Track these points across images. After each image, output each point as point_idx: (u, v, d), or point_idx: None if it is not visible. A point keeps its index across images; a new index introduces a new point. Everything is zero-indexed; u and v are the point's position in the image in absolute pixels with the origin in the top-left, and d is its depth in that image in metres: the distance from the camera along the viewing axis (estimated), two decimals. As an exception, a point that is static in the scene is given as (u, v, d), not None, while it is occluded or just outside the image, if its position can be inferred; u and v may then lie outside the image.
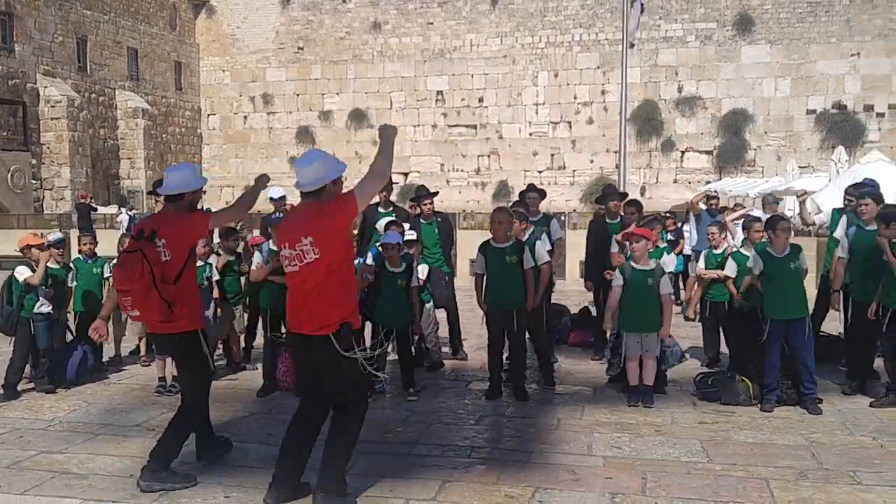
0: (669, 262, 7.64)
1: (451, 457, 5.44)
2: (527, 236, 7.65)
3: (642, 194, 26.55)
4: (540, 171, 30.37)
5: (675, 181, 27.61)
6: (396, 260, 7.10)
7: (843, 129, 24.07)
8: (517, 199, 9.10)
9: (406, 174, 31.56)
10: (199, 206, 5.60)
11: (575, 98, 29.45)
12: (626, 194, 9.32)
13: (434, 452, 5.56)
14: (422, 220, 8.59)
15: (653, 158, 28.04)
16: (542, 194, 9.01)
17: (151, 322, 5.04)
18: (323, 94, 33.42)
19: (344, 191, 4.56)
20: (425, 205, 8.62)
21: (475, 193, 31.21)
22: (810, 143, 24.97)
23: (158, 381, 7.38)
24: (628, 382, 6.97)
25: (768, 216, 8.00)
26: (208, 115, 35.13)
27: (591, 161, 29.60)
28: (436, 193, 9.04)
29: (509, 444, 5.78)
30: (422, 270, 7.48)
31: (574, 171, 30.06)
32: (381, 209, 8.62)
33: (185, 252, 5.01)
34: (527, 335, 7.41)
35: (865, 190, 7.66)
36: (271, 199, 9.41)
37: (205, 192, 9.46)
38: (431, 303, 8.28)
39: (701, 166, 26.93)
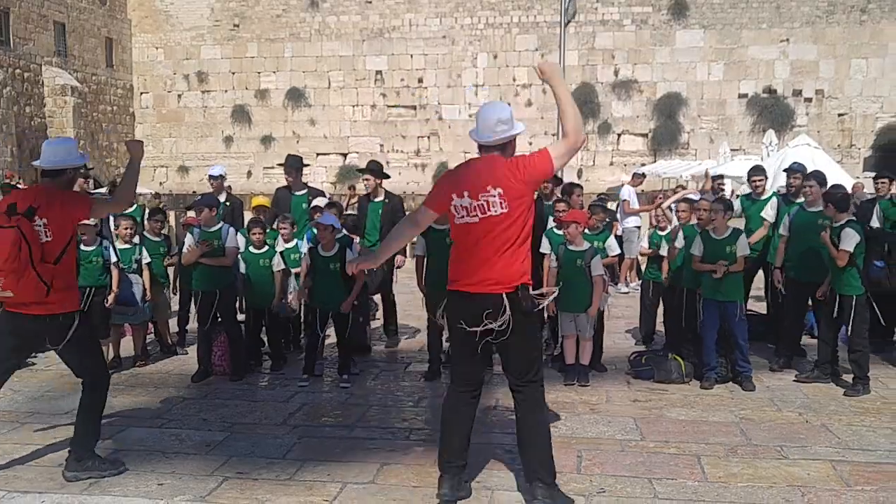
0: (613, 245, 7.76)
1: (390, 439, 5.45)
2: None
3: (579, 177, 26.85)
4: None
5: (612, 163, 27.97)
6: (330, 243, 7.02)
7: (773, 113, 24.70)
8: None
9: (345, 155, 31.26)
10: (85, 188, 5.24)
11: (514, 80, 29.51)
12: (559, 179, 9.35)
13: (373, 435, 5.56)
14: (371, 199, 8.49)
15: (590, 141, 28.33)
16: None
17: (26, 303, 4.56)
18: (259, 73, 32.77)
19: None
20: (366, 180, 8.47)
21: (415, 175, 31.11)
22: (742, 126, 25.56)
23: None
24: (564, 362, 7.07)
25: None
26: (141, 93, 34.15)
27: (531, 143, 29.63)
28: (385, 174, 8.81)
29: (447, 425, 5.80)
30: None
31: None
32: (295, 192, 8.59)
33: (68, 232, 4.69)
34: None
35: (811, 172, 7.93)
36: (210, 176, 9.21)
37: (90, 170, 9.22)
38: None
39: (636, 149, 27.34)
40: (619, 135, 27.87)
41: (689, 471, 4.89)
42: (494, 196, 4.10)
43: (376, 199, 8.54)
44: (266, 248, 7.63)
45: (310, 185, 9.17)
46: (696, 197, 9.76)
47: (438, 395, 6.61)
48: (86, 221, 7.12)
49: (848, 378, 6.83)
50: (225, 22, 32.60)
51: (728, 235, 6.90)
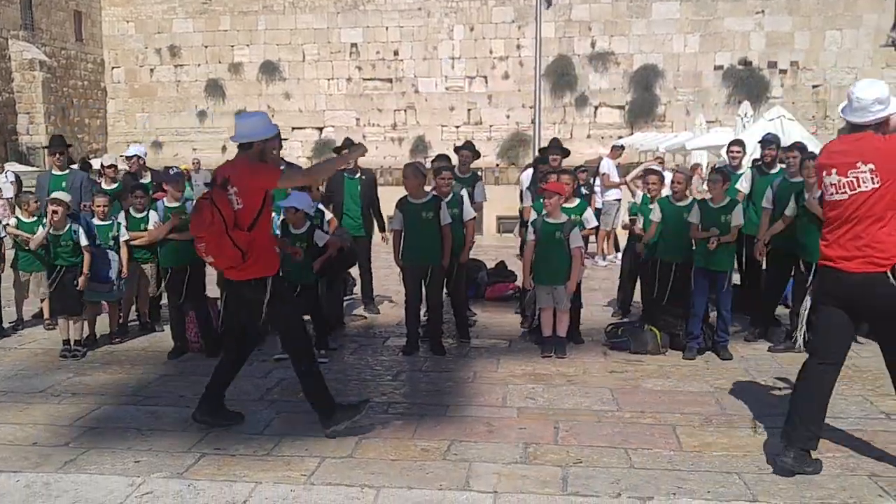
0: (590, 217, 7.74)
1: (368, 413, 5.43)
2: (452, 193, 7.61)
3: (557, 149, 26.80)
4: (457, 126, 30.27)
5: (589, 136, 27.96)
6: (301, 221, 6.96)
7: (748, 84, 24.76)
8: (438, 154, 8.96)
9: (321, 129, 31.01)
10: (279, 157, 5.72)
11: (491, 52, 29.32)
12: (568, 150, 9.29)
13: (350, 409, 5.54)
14: (346, 175, 8.43)
15: (567, 114, 28.30)
16: (476, 154, 8.93)
17: (226, 269, 5.03)
18: (232, 46, 32.33)
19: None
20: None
21: (392, 149, 30.92)
22: (718, 98, 25.61)
23: (63, 345, 7.13)
24: (542, 334, 7.10)
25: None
26: (112, 67, 33.59)
27: (508, 116, 29.64)
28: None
29: (426, 398, 5.82)
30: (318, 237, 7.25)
31: (491, 126, 30.06)
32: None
33: (258, 201, 4.92)
34: (444, 290, 7.45)
35: (794, 143, 7.97)
36: (125, 156, 9.13)
37: (69, 146, 9.06)
38: None
39: (613, 121, 27.34)
40: (595, 107, 27.86)
41: (665, 440, 4.95)
42: (865, 172, 4.18)
43: (354, 176, 8.49)
44: None
45: (285, 159, 9.08)
46: (657, 167, 9.81)
47: (417, 369, 6.65)
48: (55, 207, 7.09)
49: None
50: (197, -6, 32.08)
51: (725, 204, 6.93)
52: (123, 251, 7.59)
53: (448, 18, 29.79)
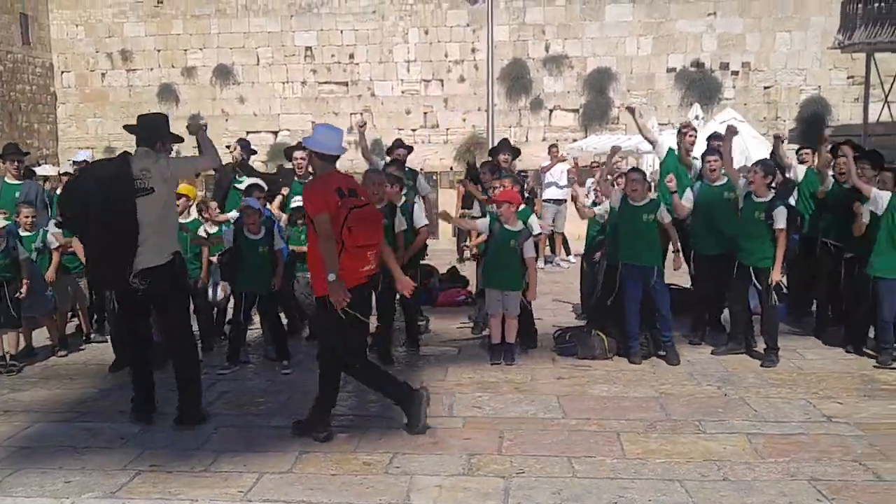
0: (536, 224, 7.71)
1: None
2: (403, 199, 7.55)
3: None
4: (413, 130, 30.16)
5: (544, 139, 27.99)
6: (256, 226, 6.86)
7: (700, 86, 24.97)
8: (389, 159, 8.90)
9: (276, 133, 30.72)
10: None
11: (446, 56, 29.29)
12: (518, 150, 9.27)
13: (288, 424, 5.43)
14: (295, 179, 8.28)
15: (522, 116, 28.36)
16: (409, 149, 8.92)
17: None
18: (186, 50, 31.89)
19: None
20: (295, 159, 8.28)
21: (349, 152, 30.56)
22: (670, 100, 25.84)
23: (-2, 361, 6.92)
24: (490, 340, 7.07)
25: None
26: (62, 72, 32.92)
27: (464, 119, 29.62)
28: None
29: (371, 410, 5.74)
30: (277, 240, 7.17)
31: (447, 129, 30.02)
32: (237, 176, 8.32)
33: None
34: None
35: (712, 144, 7.97)
36: (74, 162, 8.92)
37: (25, 154, 8.80)
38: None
39: (568, 124, 27.45)
40: (550, 110, 27.95)
41: (609, 448, 4.93)
42: None
43: (306, 181, 8.34)
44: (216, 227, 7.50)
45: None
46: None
47: (363, 379, 6.54)
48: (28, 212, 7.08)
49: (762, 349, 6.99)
50: (148, -2, 31.62)
51: (647, 203, 6.96)
52: (55, 259, 7.39)
53: (403, 22, 29.71)
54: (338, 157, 5.19)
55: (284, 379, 6.55)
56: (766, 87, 25.29)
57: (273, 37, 30.74)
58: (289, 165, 8.70)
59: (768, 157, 9.03)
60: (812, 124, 22.96)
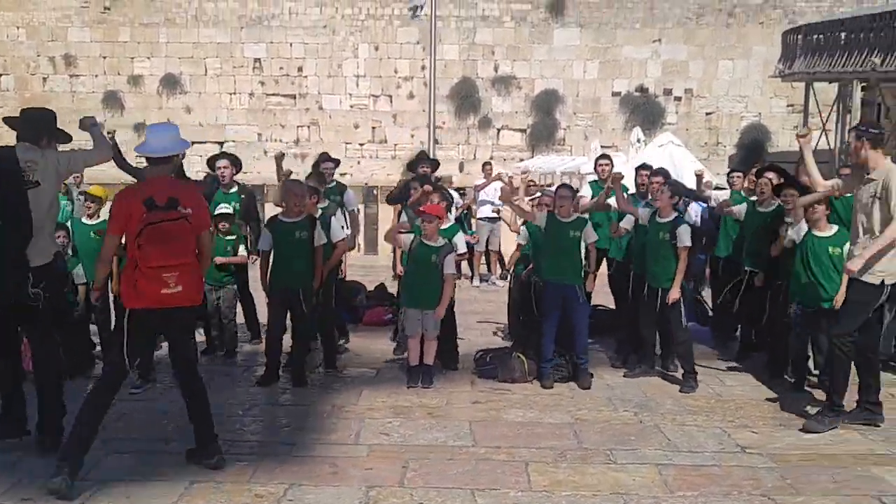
0: (460, 241, 7.55)
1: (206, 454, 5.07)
2: (320, 212, 7.36)
3: (461, 170, 26.89)
4: (361, 144, 30.00)
5: (492, 158, 28.03)
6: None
7: (644, 111, 25.28)
8: (313, 172, 8.71)
9: (221, 143, 30.22)
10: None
11: (395, 72, 29.24)
12: (437, 161, 9.17)
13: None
14: (220, 189, 8.01)
15: (471, 135, 28.41)
16: (337, 162, 8.76)
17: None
18: (132, 58, 31.32)
19: None
20: (219, 168, 8.01)
21: (294, 165, 30.23)
22: (615, 123, 26.12)
23: None
24: (409, 362, 6.87)
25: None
26: (1, 75, 32.06)
27: (412, 136, 29.55)
28: (237, 161, 8.38)
29: (273, 436, 5.50)
30: None
31: (395, 144, 29.91)
32: None
33: None
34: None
35: (657, 168, 8.00)
36: None
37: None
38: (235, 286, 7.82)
39: (515, 144, 27.56)
40: (498, 130, 28.06)
41: (515, 479, 4.76)
42: None
43: (230, 191, 8.07)
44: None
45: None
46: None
47: (272, 402, 6.31)
48: None
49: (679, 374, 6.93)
50: (94, 3, 31.00)
51: (573, 220, 6.88)
52: None
53: (353, 37, 29.61)
54: (170, 158, 4.81)
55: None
56: (707, 114, 25.72)
57: (222, 48, 30.40)
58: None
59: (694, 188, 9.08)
60: (752, 150, 23.41)
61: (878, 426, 5.79)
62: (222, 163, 7.98)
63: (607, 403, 6.32)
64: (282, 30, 29.99)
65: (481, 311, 10.25)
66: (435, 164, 8.68)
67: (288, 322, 6.87)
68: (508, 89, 27.15)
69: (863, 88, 21.31)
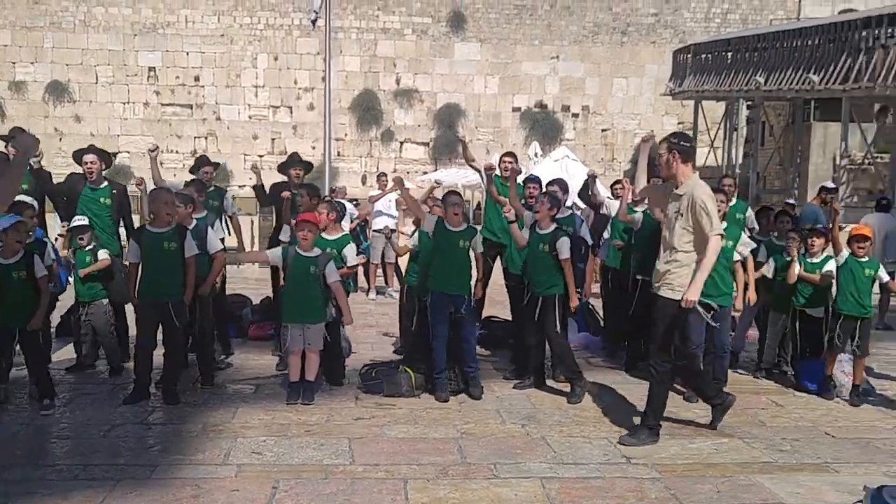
0: (350, 253, 7.24)
1: (53, 480, 4.62)
2: (195, 222, 6.95)
3: (363, 182, 26.61)
4: (261, 156, 29.37)
5: (395, 170, 27.91)
6: (11, 248, 6.00)
7: (544, 126, 25.69)
8: (192, 178, 8.28)
9: (115, 154, 29.05)
10: None
11: (296, 83, 28.79)
12: (310, 164, 8.85)
13: (32, 476, 4.69)
14: (88, 185, 7.45)
15: (373, 147, 28.21)
16: (216, 166, 8.40)
17: None
18: (14, 63, 29.76)
19: None
20: (86, 163, 7.45)
21: (190, 176, 29.41)
22: (515, 138, 26.41)
23: None
24: (290, 378, 6.53)
25: None
26: None
27: (313, 147, 29.12)
28: (106, 156, 7.86)
29: (133, 458, 5.07)
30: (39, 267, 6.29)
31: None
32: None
33: None
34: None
35: (554, 179, 7.93)
36: None
37: None
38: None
39: (419, 157, 27.52)
40: (401, 143, 27.96)
41: (392, 498, 4.51)
42: None
43: (98, 187, 7.52)
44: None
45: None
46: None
47: (138, 421, 5.86)
48: None
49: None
50: (-30, 3, 29.32)
51: (463, 230, 6.69)
52: None
53: (252, 46, 29.00)
54: None
55: (39, 422, 5.74)
56: (603, 130, 26.30)
57: (114, 55, 29.26)
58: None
59: (582, 192, 9.10)
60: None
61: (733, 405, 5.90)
62: (89, 157, 7.46)
63: (495, 416, 6.14)
64: (178, 38, 29.09)
65: (376, 324, 9.98)
66: (308, 167, 8.36)
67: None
68: (411, 102, 27.11)
69: (748, 107, 22.19)
